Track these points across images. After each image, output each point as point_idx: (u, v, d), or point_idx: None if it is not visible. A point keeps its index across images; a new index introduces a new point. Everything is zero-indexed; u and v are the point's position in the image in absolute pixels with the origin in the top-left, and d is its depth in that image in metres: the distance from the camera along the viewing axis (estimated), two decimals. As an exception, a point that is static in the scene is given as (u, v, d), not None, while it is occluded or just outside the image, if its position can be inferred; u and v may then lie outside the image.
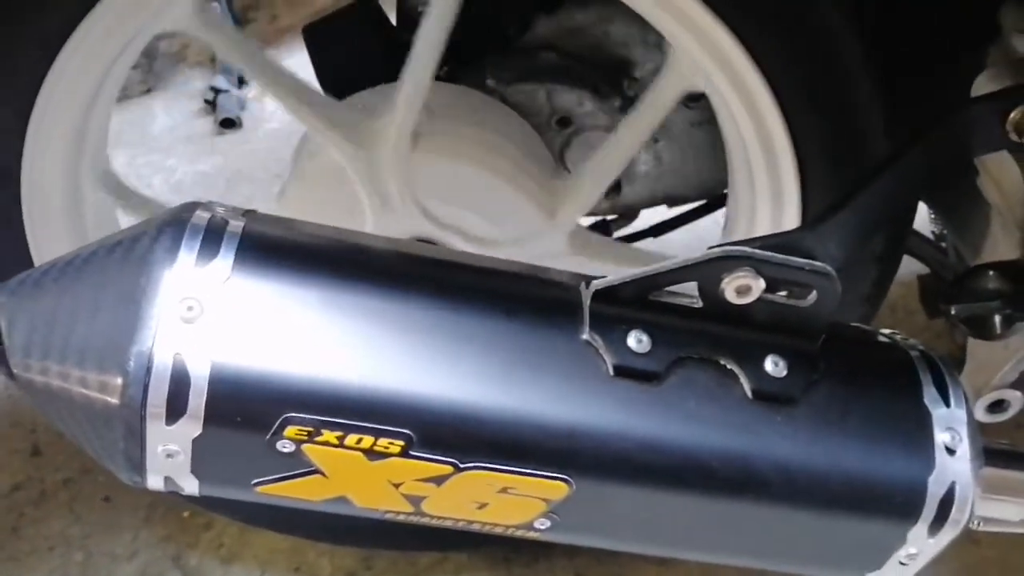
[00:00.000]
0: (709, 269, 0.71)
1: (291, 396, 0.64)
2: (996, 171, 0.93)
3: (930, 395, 0.75)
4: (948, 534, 0.74)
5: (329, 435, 0.64)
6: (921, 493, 0.72)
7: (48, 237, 1.10)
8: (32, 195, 1.07)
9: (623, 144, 1.12)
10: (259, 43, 2.56)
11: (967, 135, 0.79)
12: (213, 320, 0.63)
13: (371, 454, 0.65)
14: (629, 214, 1.38)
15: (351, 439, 0.65)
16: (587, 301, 0.71)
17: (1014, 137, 0.77)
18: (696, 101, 1.20)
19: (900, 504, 0.72)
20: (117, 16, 0.99)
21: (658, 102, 1.08)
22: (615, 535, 0.76)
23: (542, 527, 0.72)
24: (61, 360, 0.64)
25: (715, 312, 0.72)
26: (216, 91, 2.45)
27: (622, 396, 0.69)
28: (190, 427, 0.63)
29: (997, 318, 0.87)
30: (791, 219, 1.07)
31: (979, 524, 0.79)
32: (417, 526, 0.73)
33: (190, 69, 2.60)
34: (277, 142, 2.33)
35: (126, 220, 1.15)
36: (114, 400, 0.63)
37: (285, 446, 0.64)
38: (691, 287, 0.72)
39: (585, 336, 0.69)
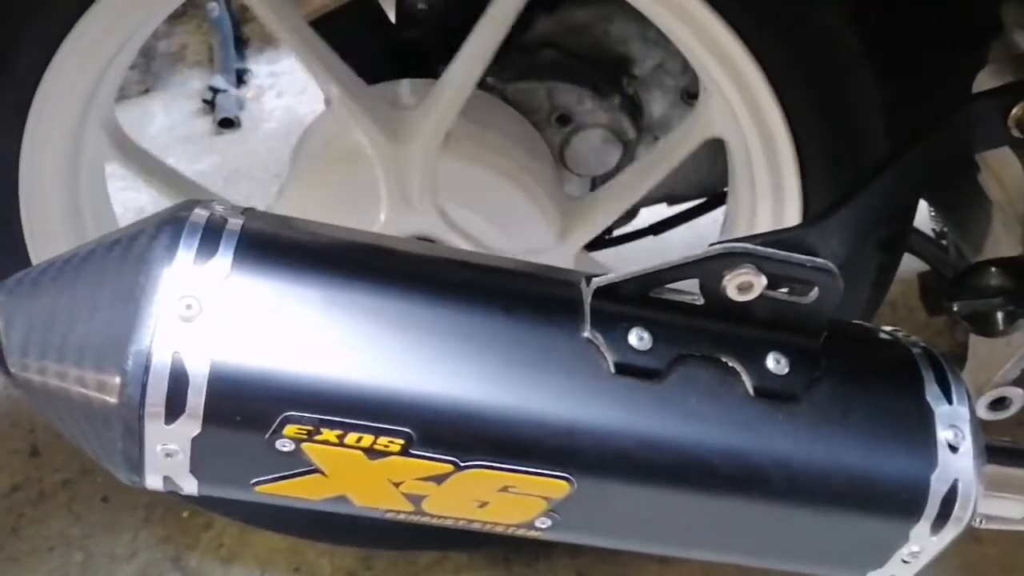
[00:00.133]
0: (711, 266, 0.70)
1: (290, 395, 0.63)
2: (997, 167, 0.93)
3: (932, 392, 0.74)
4: (951, 532, 0.74)
5: (329, 434, 0.64)
6: (924, 491, 0.72)
7: (46, 236, 1.10)
8: (31, 195, 1.07)
9: (642, 175, 1.15)
10: (259, 43, 2.58)
11: (969, 131, 0.78)
12: (212, 318, 0.63)
13: (371, 453, 0.65)
14: (629, 212, 1.38)
15: (351, 438, 0.64)
16: (588, 298, 0.70)
17: (1016, 133, 0.77)
18: (696, 98, 1.19)
19: (902, 502, 0.72)
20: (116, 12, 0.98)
21: (680, 145, 1.10)
22: (616, 534, 0.75)
23: (543, 526, 0.71)
24: (59, 359, 0.64)
25: (716, 309, 0.72)
26: (214, 91, 2.44)
27: (623, 394, 0.69)
28: (189, 426, 0.63)
29: (999, 315, 0.86)
30: (792, 217, 1.07)
31: (981, 522, 0.79)
32: (417, 525, 0.73)
33: (188, 69, 2.59)
34: (276, 141, 2.32)
35: (124, 219, 1.15)
36: (112, 399, 0.62)
37: (284, 445, 0.64)
38: (692, 284, 0.72)
39: (586, 334, 0.69)
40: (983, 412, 0.97)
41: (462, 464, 0.66)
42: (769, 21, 0.95)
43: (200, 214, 0.67)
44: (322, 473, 0.66)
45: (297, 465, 0.65)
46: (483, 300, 0.69)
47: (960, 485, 0.72)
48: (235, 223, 0.68)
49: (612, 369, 0.68)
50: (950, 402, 0.74)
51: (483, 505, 0.69)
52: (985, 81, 0.89)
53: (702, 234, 1.43)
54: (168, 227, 0.66)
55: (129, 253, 0.65)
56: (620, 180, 1.20)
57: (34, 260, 1.10)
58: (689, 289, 0.73)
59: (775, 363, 0.71)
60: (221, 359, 0.62)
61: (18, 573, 1.46)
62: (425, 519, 0.71)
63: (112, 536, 1.50)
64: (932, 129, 0.78)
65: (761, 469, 0.70)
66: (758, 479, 0.70)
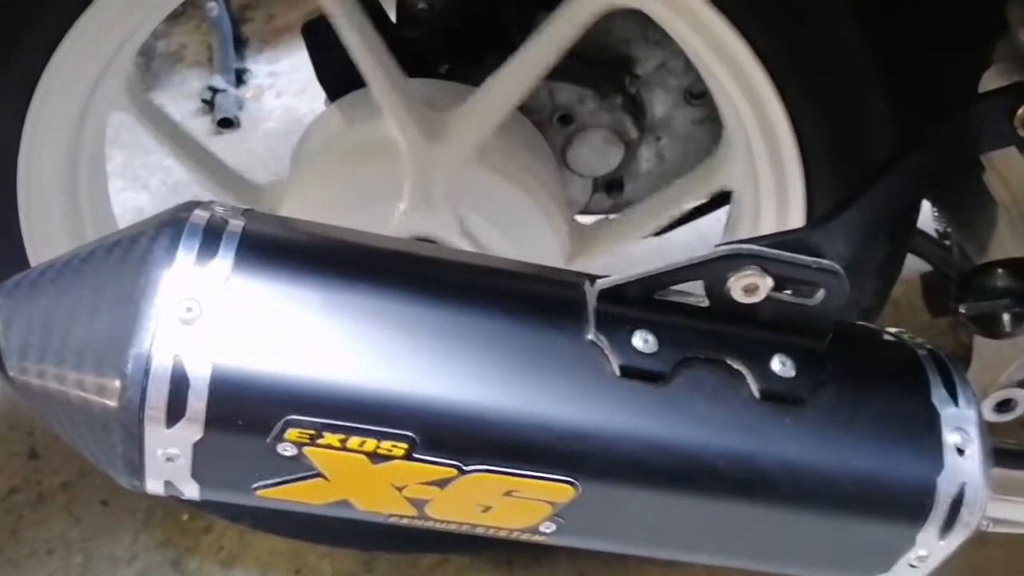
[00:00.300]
0: (716, 268, 0.70)
1: (293, 398, 0.63)
2: (1003, 167, 0.92)
3: (939, 395, 0.74)
4: (959, 536, 0.73)
5: (331, 438, 0.63)
6: (931, 494, 0.71)
7: (45, 237, 1.09)
8: (29, 196, 1.06)
9: (651, 214, 1.18)
10: (258, 43, 2.57)
11: (975, 131, 0.78)
12: (213, 321, 0.62)
13: (374, 457, 0.64)
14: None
15: (354, 442, 0.64)
16: (592, 301, 0.70)
17: (1022, 133, 0.76)
18: (699, 98, 1.19)
19: (910, 506, 0.71)
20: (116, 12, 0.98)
21: (693, 192, 1.16)
22: (622, 538, 0.75)
23: (548, 530, 0.71)
24: (58, 362, 0.63)
25: (722, 311, 0.71)
26: (214, 91, 2.43)
27: (628, 397, 0.68)
28: (190, 430, 0.62)
29: (1006, 316, 0.86)
30: (796, 216, 1.06)
31: (988, 525, 0.78)
32: (419, 529, 0.72)
33: (187, 69, 2.58)
34: (275, 141, 2.32)
35: (123, 219, 1.14)
36: (112, 403, 0.62)
37: (286, 449, 0.63)
38: (697, 286, 0.71)
39: (590, 336, 0.68)
40: (988, 414, 0.96)
41: (466, 468, 0.65)
42: (772, 20, 0.95)
43: (200, 215, 0.67)
44: (324, 477, 0.65)
45: (299, 469, 0.65)
46: (486, 302, 0.69)
47: (967, 488, 0.72)
48: (236, 224, 0.67)
49: (617, 372, 0.68)
50: (957, 404, 0.74)
51: (487, 509, 0.69)
52: (991, 81, 0.89)
53: (704, 234, 1.43)
54: (168, 229, 0.65)
55: (129, 255, 0.65)
56: (630, 215, 1.22)
57: (33, 261, 1.09)
58: (694, 291, 0.72)
59: (781, 365, 0.71)
60: (222, 362, 0.62)
61: (17, 576, 1.46)
62: (428, 524, 0.70)
63: (112, 539, 1.49)
64: (937, 129, 0.77)
65: (767, 473, 0.69)
66: (764, 483, 0.69)
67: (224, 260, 0.64)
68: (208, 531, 1.50)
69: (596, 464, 0.67)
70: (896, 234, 1.07)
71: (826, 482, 0.70)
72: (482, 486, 0.66)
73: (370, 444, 0.64)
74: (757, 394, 0.70)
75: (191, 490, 0.67)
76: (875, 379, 0.75)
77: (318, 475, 0.65)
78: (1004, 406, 0.97)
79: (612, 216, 1.27)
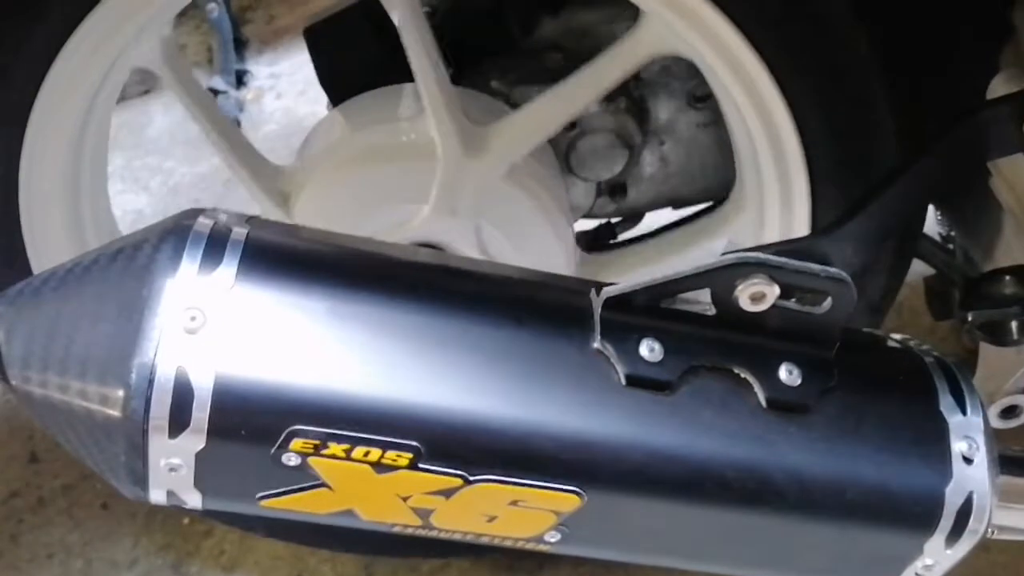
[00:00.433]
0: (723, 276, 0.69)
1: (297, 408, 0.62)
2: (1010, 173, 0.92)
3: (946, 403, 0.74)
4: (965, 545, 0.73)
5: (336, 448, 0.63)
6: (938, 503, 0.71)
7: (47, 244, 1.09)
8: (31, 202, 1.06)
9: (652, 251, 1.18)
10: (259, 44, 2.56)
11: (982, 138, 0.78)
12: (217, 330, 0.62)
13: (379, 467, 0.64)
14: (634, 216, 1.37)
15: (358, 452, 0.63)
16: (598, 309, 0.69)
17: (1031, 140, 0.76)
18: (703, 102, 1.19)
19: (917, 515, 0.71)
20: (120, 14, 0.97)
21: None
22: (627, 547, 0.74)
23: (553, 540, 0.70)
24: (61, 372, 0.63)
25: (728, 320, 0.71)
26: (214, 92, 2.43)
27: (634, 406, 0.68)
28: (193, 440, 0.62)
29: (1014, 324, 0.86)
30: (801, 221, 1.06)
31: (994, 532, 0.78)
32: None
33: (188, 70, 2.57)
34: (276, 143, 2.31)
35: (123, 222, 1.14)
36: (116, 413, 0.61)
37: (290, 459, 0.63)
38: (704, 294, 0.71)
39: (596, 345, 0.68)
40: (994, 420, 0.96)
41: (471, 478, 0.65)
42: (776, 23, 0.95)
43: (204, 223, 0.66)
44: (328, 487, 0.65)
45: (303, 479, 0.64)
46: (492, 311, 0.68)
47: (975, 497, 0.71)
48: (239, 232, 0.67)
49: (623, 381, 0.67)
50: (964, 412, 0.73)
51: (492, 519, 0.68)
52: (998, 87, 0.88)
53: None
54: (171, 237, 0.65)
55: (132, 263, 0.64)
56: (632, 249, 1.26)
57: (35, 270, 1.09)
58: (700, 299, 0.72)
59: (787, 374, 0.70)
60: (226, 372, 0.61)
61: (18, 581, 1.46)
62: (433, 533, 0.70)
63: (112, 543, 1.49)
64: (945, 136, 0.77)
65: (774, 482, 0.69)
66: (771, 492, 0.69)
67: (228, 269, 0.64)
68: (209, 535, 1.49)
69: (602, 473, 0.67)
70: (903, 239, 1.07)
71: (833, 491, 0.70)
72: (487, 496, 0.66)
73: (375, 454, 0.63)
74: (764, 403, 0.70)
75: (194, 500, 0.66)
76: (882, 387, 0.75)
77: (322, 485, 0.65)
78: (1010, 412, 0.97)
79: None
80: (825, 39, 0.96)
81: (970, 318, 0.87)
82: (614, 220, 1.37)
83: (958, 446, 0.72)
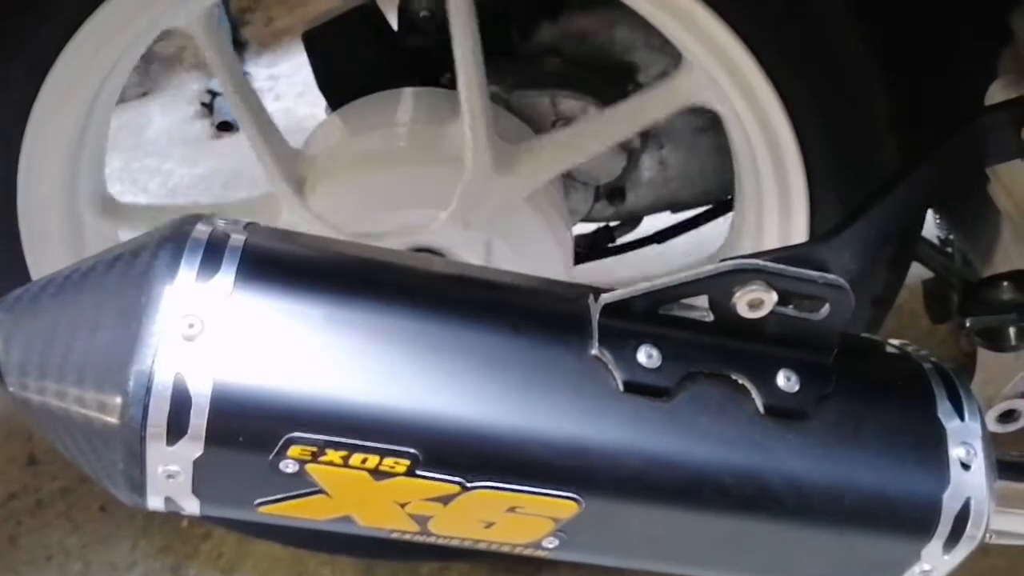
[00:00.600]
0: (721, 282, 0.69)
1: (295, 415, 0.62)
2: (1008, 179, 0.92)
3: (944, 409, 0.74)
4: (963, 550, 0.73)
5: (333, 455, 0.63)
6: (936, 509, 0.71)
7: (45, 247, 1.09)
8: (29, 207, 1.06)
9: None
10: (258, 46, 2.57)
11: (981, 144, 0.77)
12: (215, 337, 0.62)
13: (376, 474, 0.64)
14: (632, 220, 1.37)
15: (356, 459, 0.63)
16: (596, 315, 0.69)
17: (1029, 146, 0.76)
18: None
19: (914, 521, 0.71)
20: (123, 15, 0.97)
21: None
22: (625, 553, 0.74)
23: (550, 546, 0.70)
24: (59, 379, 0.63)
25: (726, 326, 0.71)
26: (213, 94, 2.43)
27: (632, 412, 0.68)
28: (191, 447, 0.62)
29: (1012, 330, 0.86)
30: (799, 225, 1.06)
31: (992, 537, 0.78)
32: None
33: (186, 72, 2.58)
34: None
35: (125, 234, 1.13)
36: (113, 420, 0.61)
37: (288, 466, 0.63)
38: (702, 300, 0.71)
39: (594, 351, 0.68)
40: (992, 425, 0.96)
41: (469, 485, 0.65)
42: (773, 27, 0.95)
43: (202, 230, 0.66)
44: (326, 494, 0.65)
45: (301, 486, 0.64)
46: (489, 317, 0.68)
47: (973, 503, 0.71)
48: (238, 239, 0.67)
49: (621, 387, 0.67)
50: (962, 418, 0.73)
51: (490, 525, 0.68)
52: (997, 93, 0.88)
53: (706, 242, 1.43)
54: (170, 244, 0.65)
55: (130, 270, 0.64)
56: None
57: (34, 275, 1.08)
58: (698, 305, 0.72)
59: (785, 380, 0.70)
60: (224, 379, 0.61)
61: (17, 583, 1.46)
62: (431, 539, 0.70)
63: (111, 546, 1.49)
64: (944, 142, 0.77)
65: (772, 488, 0.69)
66: (768, 498, 0.69)
67: (226, 276, 0.64)
68: (207, 538, 1.49)
69: (599, 480, 0.67)
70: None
71: (831, 497, 0.70)
72: (485, 502, 0.66)
73: (372, 461, 0.63)
74: (761, 409, 0.70)
75: (192, 506, 0.66)
76: (880, 393, 0.75)
77: (320, 492, 0.65)
78: (1008, 417, 0.97)
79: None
80: (823, 43, 0.95)
81: (968, 324, 0.87)
82: (612, 223, 1.37)
83: (956, 452, 0.72)
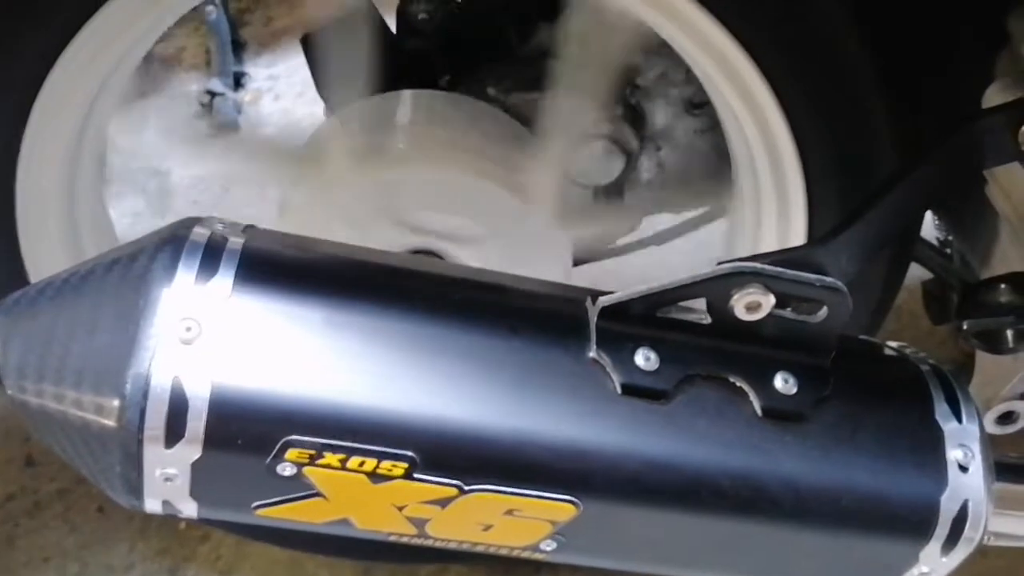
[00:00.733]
0: (718, 285, 0.69)
1: (292, 418, 0.62)
2: (1006, 181, 0.92)
3: (941, 411, 0.74)
4: (961, 553, 0.73)
5: (331, 458, 0.63)
6: (934, 511, 0.71)
7: (44, 248, 1.09)
8: (27, 205, 1.06)
9: None
10: (257, 46, 2.56)
11: (978, 147, 0.78)
12: (213, 341, 0.62)
13: (374, 477, 0.64)
14: (631, 223, 1.37)
15: (354, 462, 0.63)
16: (594, 318, 0.69)
17: (1026, 149, 0.76)
18: (700, 108, 1.19)
19: (912, 523, 0.71)
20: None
21: None
22: (622, 555, 0.74)
23: (548, 548, 0.70)
24: (57, 381, 0.63)
25: (724, 328, 0.71)
26: (212, 94, 2.43)
27: (630, 415, 0.68)
28: (189, 450, 0.62)
29: (1009, 332, 0.86)
30: (798, 227, 1.06)
31: (990, 539, 0.78)
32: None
33: (185, 72, 2.58)
34: (274, 145, 2.31)
35: (120, 224, 1.13)
36: (111, 423, 0.61)
37: (286, 469, 0.63)
38: (700, 303, 0.71)
39: (592, 354, 0.68)
40: (990, 427, 0.96)
41: (466, 488, 0.65)
42: (772, 30, 0.95)
43: (200, 233, 0.66)
44: (324, 497, 0.65)
45: (298, 489, 0.64)
46: (487, 320, 0.68)
47: (970, 505, 0.72)
48: (236, 242, 0.67)
49: (618, 390, 0.68)
50: (960, 421, 0.73)
51: (487, 528, 0.68)
52: (994, 96, 0.88)
53: (705, 245, 1.43)
54: (168, 247, 0.65)
55: (128, 273, 0.64)
56: None
57: (33, 278, 1.08)
58: (696, 308, 0.72)
59: (783, 383, 0.71)
60: (222, 382, 0.61)
61: (14, 585, 1.45)
62: (428, 542, 0.70)
63: (108, 547, 1.48)
64: (941, 145, 0.77)
65: (769, 490, 0.69)
66: (766, 501, 0.69)
67: (224, 279, 0.64)
68: (205, 540, 1.49)
69: (597, 483, 0.67)
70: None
71: (828, 499, 0.70)
72: (483, 505, 0.66)
73: (370, 464, 0.63)
74: (759, 411, 0.70)
75: (189, 509, 0.66)
76: (878, 396, 0.75)
77: (317, 495, 0.65)
78: (1006, 419, 0.97)
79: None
80: (821, 43, 0.96)
81: (965, 326, 0.87)
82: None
83: (953, 454, 0.72)
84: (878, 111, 0.98)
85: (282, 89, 2.50)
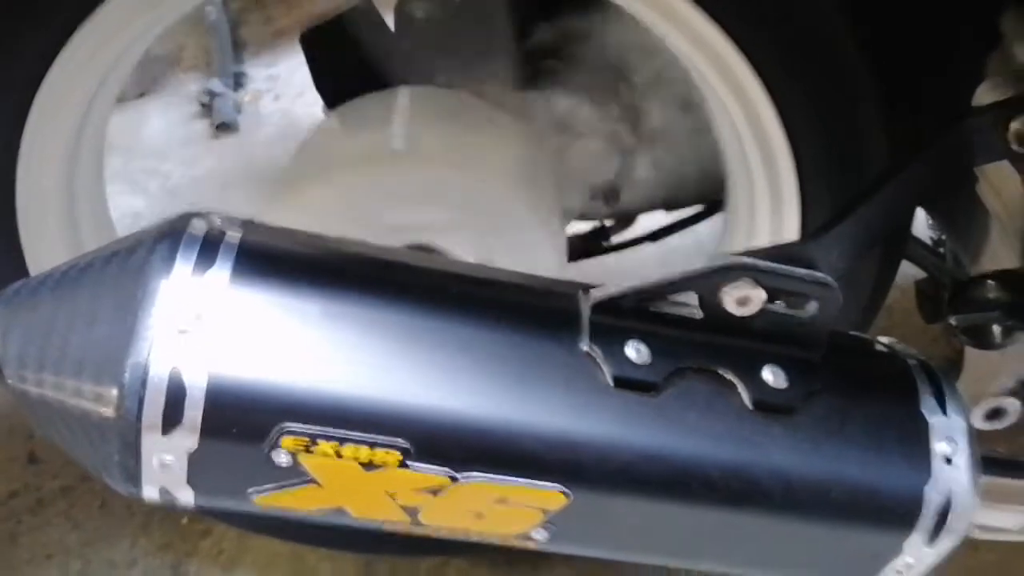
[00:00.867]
0: (709, 279, 0.70)
1: (288, 407, 0.63)
2: (996, 179, 0.93)
3: (928, 404, 0.75)
4: (946, 544, 0.74)
5: (326, 446, 0.64)
6: (918, 502, 0.72)
7: (44, 245, 1.10)
8: (28, 203, 1.07)
9: None
10: (256, 46, 2.57)
11: (968, 145, 0.78)
12: (210, 331, 0.63)
13: (368, 465, 0.65)
14: (627, 219, 1.38)
15: (348, 450, 0.64)
16: (586, 311, 0.70)
17: (1015, 147, 0.77)
18: (696, 106, 1.20)
19: (897, 513, 0.72)
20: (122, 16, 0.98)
21: None
22: (613, 545, 0.75)
23: (540, 537, 0.71)
24: (56, 371, 0.64)
25: (715, 322, 0.72)
26: (211, 94, 2.44)
27: (621, 407, 0.69)
28: (186, 439, 0.63)
29: (997, 328, 0.86)
30: (791, 223, 1.07)
31: (977, 532, 0.79)
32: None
33: (185, 72, 2.58)
34: (274, 146, 2.32)
35: (120, 224, 1.14)
36: (109, 412, 0.62)
37: (281, 457, 0.64)
38: (691, 297, 0.72)
39: (584, 347, 0.69)
40: (979, 423, 0.97)
41: (459, 476, 0.66)
42: (765, 28, 0.95)
43: (198, 226, 0.67)
44: (318, 484, 0.66)
45: (294, 476, 0.65)
46: (481, 312, 0.69)
47: (955, 497, 0.72)
48: (233, 235, 0.68)
49: (610, 382, 0.68)
50: (946, 414, 0.74)
51: (479, 516, 0.69)
52: (985, 94, 0.89)
53: (701, 241, 1.44)
54: (166, 239, 0.66)
55: (127, 265, 0.65)
56: None
57: (32, 271, 1.09)
58: (688, 301, 0.73)
59: (773, 376, 0.71)
60: (218, 372, 0.62)
61: (17, 582, 1.46)
62: (421, 530, 0.71)
63: (111, 543, 1.49)
64: (932, 143, 0.78)
65: (758, 482, 0.70)
66: (755, 492, 0.70)
67: (221, 271, 0.65)
68: (207, 535, 1.50)
69: (588, 473, 0.68)
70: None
71: (816, 490, 0.71)
72: (475, 494, 0.67)
73: (364, 452, 0.64)
74: (749, 404, 0.70)
75: (186, 496, 0.67)
76: (866, 389, 0.75)
77: (312, 482, 0.66)
78: (995, 415, 0.97)
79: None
80: (814, 42, 0.96)
81: (954, 322, 0.87)
82: (607, 223, 1.38)
83: (939, 447, 0.73)
84: (871, 109, 0.99)
85: (282, 89, 2.51)
